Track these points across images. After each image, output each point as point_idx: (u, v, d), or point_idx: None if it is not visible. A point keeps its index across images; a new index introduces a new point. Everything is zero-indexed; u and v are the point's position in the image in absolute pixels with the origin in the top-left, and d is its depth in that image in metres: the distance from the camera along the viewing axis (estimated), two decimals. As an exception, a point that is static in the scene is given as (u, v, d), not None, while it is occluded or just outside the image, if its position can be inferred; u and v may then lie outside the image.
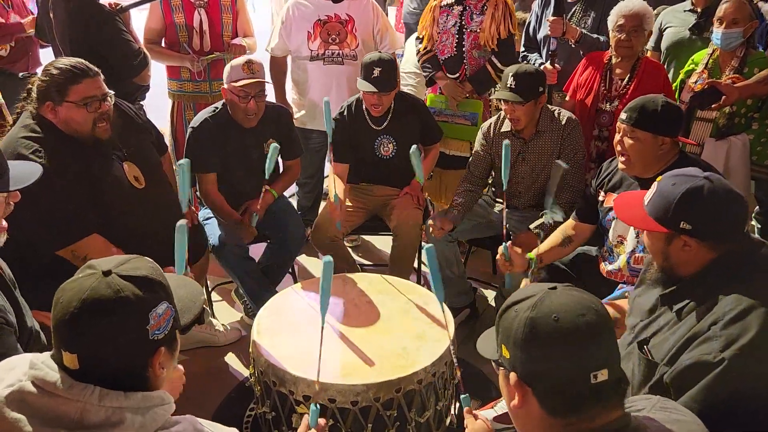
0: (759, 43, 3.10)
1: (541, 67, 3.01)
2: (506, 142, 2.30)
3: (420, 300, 2.31)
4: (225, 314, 3.19)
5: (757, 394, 1.32)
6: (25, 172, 1.64)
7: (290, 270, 3.18)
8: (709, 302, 1.41)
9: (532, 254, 2.48)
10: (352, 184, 3.18)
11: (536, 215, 2.76)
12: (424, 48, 3.33)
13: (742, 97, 2.81)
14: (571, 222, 2.51)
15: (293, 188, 3.72)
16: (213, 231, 2.85)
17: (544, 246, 2.49)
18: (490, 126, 2.91)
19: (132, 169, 2.37)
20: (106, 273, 1.06)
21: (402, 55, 4.10)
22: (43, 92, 2.15)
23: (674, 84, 3.06)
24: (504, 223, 2.46)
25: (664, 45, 3.42)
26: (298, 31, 3.39)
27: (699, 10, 3.30)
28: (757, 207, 3.38)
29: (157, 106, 3.61)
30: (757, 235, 1.91)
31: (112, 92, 2.26)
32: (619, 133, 2.18)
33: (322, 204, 3.83)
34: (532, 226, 2.71)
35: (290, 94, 3.64)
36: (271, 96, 3.12)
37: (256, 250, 3.06)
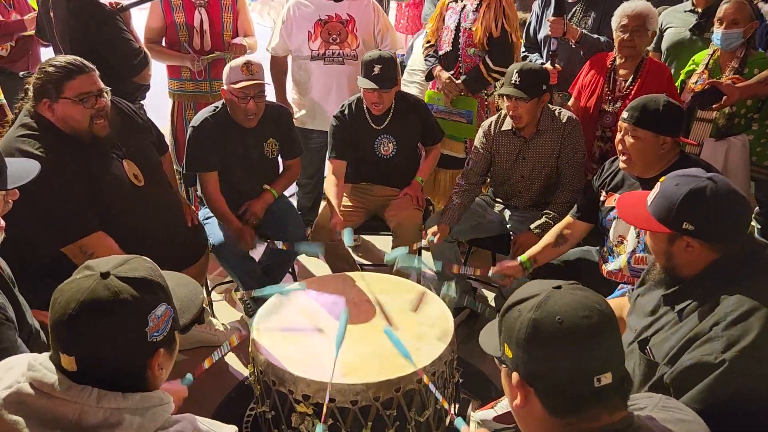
0: (759, 44, 3.10)
1: (542, 67, 3.01)
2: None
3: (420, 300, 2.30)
4: (225, 314, 3.19)
5: (758, 395, 1.32)
6: (23, 169, 1.63)
7: (290, 270, 3.18)
8: (711, 303, 1.41)
9: (524, 257, 2.48)
10: (352, 183, 3.17)
11: (536, 215, 2.77)
12: (427, 41, 3.36)
13: (743, 98, 2.81)
14: (567, 220, 2.51)
15: (293, 188, 3.71)
16: (213, 231, 2.85)
17: (536, 247, 2.49)
18: (491, 124, 2.90)
19: (131, 167, 2.36)
20: (105, 275, 1.05)
21: (402, 56, 4.10)
22: (39, 90, 2.15)
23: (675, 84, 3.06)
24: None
25: (664, 45, 3.42)
26: (298, 30, 3.39)
27: (699, 10, 3.30)
28: (757, 208, 3.38)
29: (158, 106, 3.61)
30: (757, 236, 1.90)
31: (108, 88, 2.25)
32: (620, 131, 2.18)
33: (322, 204, 3.82)
34: (532, 226, 2.71)
35: (290, 94, 3.63)
36: (271, 95, 3.12)
37: (256, 250, 3.06)
